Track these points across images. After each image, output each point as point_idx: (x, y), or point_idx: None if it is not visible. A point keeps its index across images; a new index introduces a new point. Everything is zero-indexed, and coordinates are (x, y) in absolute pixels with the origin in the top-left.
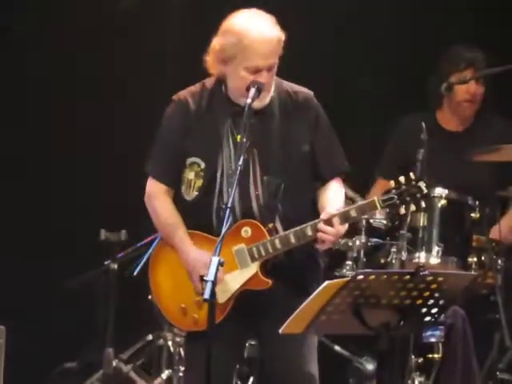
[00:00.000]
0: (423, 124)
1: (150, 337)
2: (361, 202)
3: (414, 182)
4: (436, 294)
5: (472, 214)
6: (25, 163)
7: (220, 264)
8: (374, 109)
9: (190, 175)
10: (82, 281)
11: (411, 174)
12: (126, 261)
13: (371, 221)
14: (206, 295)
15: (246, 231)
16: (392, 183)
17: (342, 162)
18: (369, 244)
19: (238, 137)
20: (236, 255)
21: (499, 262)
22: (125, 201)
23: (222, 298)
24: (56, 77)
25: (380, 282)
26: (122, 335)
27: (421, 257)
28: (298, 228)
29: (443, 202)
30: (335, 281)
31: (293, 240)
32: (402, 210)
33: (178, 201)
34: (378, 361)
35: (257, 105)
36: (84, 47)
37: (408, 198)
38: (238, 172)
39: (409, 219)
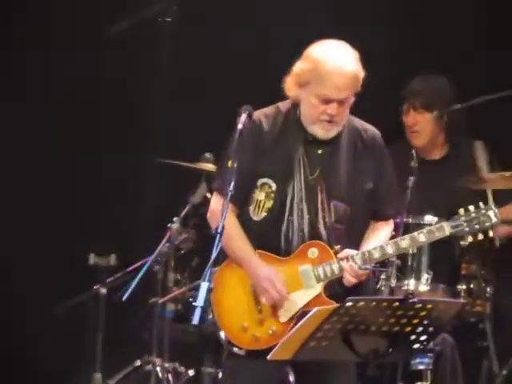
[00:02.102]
0: (413, 152)
1: (139, 362)
2: (429, 228)
3: (483, 211)
4: (425, 322)
5: (461, 242)
6: (18, 186)
7: (209, 290)
8: None
9: (260, 196)
10: (70, 306)
11: (480, 203)
12: (115, 286)
13: None
14: (195, 321)
15: (313, 252)
16: (461, 210)
17: (395, 206)
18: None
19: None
20: (302, 275)
21: (488, 289)
22: (114, 225)
23: (284, 316)
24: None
25: (369, 309)
26: (110, 360)
27: (410, 284)
28: (365, 251)
29: None
30: (325, 307)
31: (359, 262)
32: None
33: (244, 220)
34: None
35: (323, 135)
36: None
37: (477, 226)
38: (228, 197)
39: None
